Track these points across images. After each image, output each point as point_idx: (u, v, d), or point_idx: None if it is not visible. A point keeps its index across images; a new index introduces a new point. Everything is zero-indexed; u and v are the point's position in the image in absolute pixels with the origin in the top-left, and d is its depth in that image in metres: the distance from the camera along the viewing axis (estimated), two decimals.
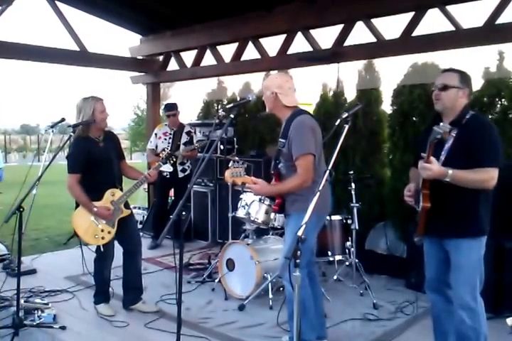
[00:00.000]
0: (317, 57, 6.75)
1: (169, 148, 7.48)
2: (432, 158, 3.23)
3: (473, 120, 3.42)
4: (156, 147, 7.61)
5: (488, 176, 3.28)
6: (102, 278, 5.08)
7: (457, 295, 3.45)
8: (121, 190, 4.94)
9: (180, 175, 7.54)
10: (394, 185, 6.41)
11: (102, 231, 4.81)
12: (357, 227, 5.66)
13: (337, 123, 3.30)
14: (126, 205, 4.99)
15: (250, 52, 7.77)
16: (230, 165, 4.24)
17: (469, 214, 3.42)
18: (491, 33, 5.39)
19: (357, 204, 5.69)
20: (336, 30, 6.67)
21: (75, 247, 7.87)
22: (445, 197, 3.37)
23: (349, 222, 5.77)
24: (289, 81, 4.09)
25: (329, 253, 5.71)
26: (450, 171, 3.20)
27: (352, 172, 5.83)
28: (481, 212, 3.47)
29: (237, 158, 5.60)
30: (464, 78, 3.50)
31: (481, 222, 3.47)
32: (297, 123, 3.92)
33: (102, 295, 5.12)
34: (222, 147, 7.28)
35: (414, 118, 6.42)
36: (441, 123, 3.21)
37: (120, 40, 11.61)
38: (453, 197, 3.36)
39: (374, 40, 6.30)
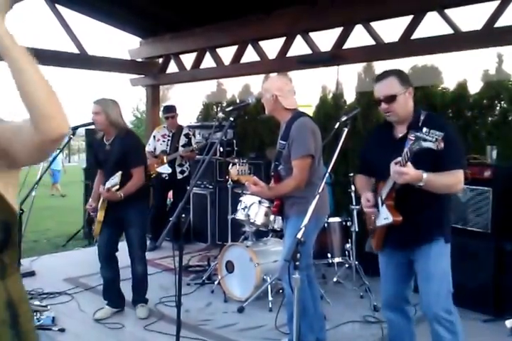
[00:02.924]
0: (316, 59, 6.76)
1: (168, 150, 7.50)
2: (409, 163, 2.92)
3: (429, 120, 3.16)
4: (155, 149, 7.62)
5: (457, 179, 3.07)
6: (101, 276, 5.19)
7: (430, 310, 3.21)
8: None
9: (179, 176, 7.55)
10: None
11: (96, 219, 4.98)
12: (357, 229, 5.66)
13: (336, 127, 3.31)
14: (129, 221, 4.98)
15: (250, 55, 7.78)
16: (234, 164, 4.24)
17: (438, 220, 3.22)
18: (489, 36, 5.40)
19: (357, 207, 5.68)
20: (335, 32, 6.68)
21: (74, 249, 7.90)
22: (412, 205, 3.14)
23: (349, 224, 5.76)
24: (288, 83, 4.11)
25: (329, 255, 5.70)
26: (425, 175, 2.94)
27: (352, 174, 5.84)
28: (449, 217, 3.32)
29: (236, 161, 5.60)
30: (403, 77, 3.23)
31: (448, 227, 3.28)
32: (299, 125, 3.93)
33: (105, 294, 5.16)
34: (221, 149, 7.28)
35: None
36: (425, 129, 2.78)
37: (120, 42, 11.63)
38: (420, 204, 3.15)
39: (373, 42, 6.31)
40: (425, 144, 2.76)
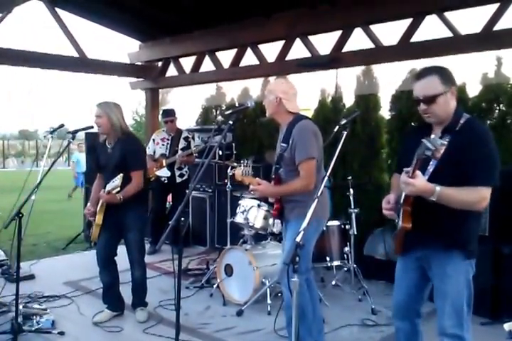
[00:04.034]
0: (316, 63, 6.77)
1: (167, 154, 7.50)
2: (418, 172, 2.75)
3: (468, 126, 2.94)
4: (154, 152, 7.63)
5: (480, 197, 2.82)
6: (100, 280, 5.18)
7: (440, 324, 3.05)
8: None
9: (178, 180, 7.55)
10: None
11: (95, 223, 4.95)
12: (355, 233, 5.67)
13: (335, 130, 3.31)
14: (127, 225, 4.96)
15: (249, 58, 7.79)
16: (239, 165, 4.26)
17: (458, 232, 2.98)
18: (488, 39, 5.40)
19: (355, 210, 5.69)
20: (334, 36, 6.69)
21: (74, 252, 7.90)
22: (430, 214, 2.91)
23: (347, 227, 5.76)
24: (293, 87, 4.14)
25: (327, 258, 5.69)
26: (438, 188, 2.74)
27: (350, 177, 5.84)
28: (472, 230, 3.06)
29: (235, 164, 5.62)
30: (445, 76, 2.95)
31: (471, 242, 3.02)
32: (300, 128, 3.95)
33: (104, 297, 5.16)
34: (220, 153, 7.29)
35: (412, 124, 6.44)
36: (433, 136, 2.65)
37: (119, 46, 11.64)
38: (439, 214, 2.89)
39: (372, 46, 6.32)
40: (427, 152, 2.59)
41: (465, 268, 3.02)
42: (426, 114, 3.01)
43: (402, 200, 2.97)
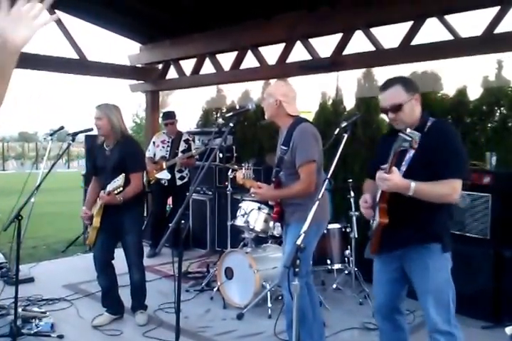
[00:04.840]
0: (316, 65, 6.76)
1: (167, 156, 7.49)
2: (394, 168, 2.90)
3: (435, 128, 3.11)
4: (154, 155, 7.62)
5: (452, 189, 2.96)
6: (99, 285, 5.15)
7: (430, 321, 3.13)
8: None
9: (179, 182, 7.53)
10: None
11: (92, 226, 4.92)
12: (356, 236, 5.65)
13: (336, 133, 3.30)
14: (125, 228, 4.93)
15: (249, 61, 7.80)
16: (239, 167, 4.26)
17: (434, 225, 3.10)
18: (489, 42, 5.40)
19: (356, 213, 5.67)
20: (335, 38, 6.69)
21: (74, 255, 7.88)
22: (406, 209, 3.01)
23: (348, 230, 5.75)
24: (293, 90, 4.15)
25: (328, 261, 5.68)
26: (413, 184, 2.87)
27: (351, 180, 5.83)
28: (445, 223, 3.17)
29: (236, 167, 5.61)
30: (409, 85, 3.15)
31: (446, 234, 3.14)
32: (301, 131, 3.95)
33: (103, 301, 5.14)
34: (221, 155, 7.28)
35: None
36: (409, 130, 2.79)
37: (119, 48, 11.64)
38: (415, 208, 3.00)
39: (373, 48, 6.31)
40: (404, 144, 2.75)
41: (444, 263, 3.13)
42: (395, 121, 3.19)
43: (378, 198, 3.11)
